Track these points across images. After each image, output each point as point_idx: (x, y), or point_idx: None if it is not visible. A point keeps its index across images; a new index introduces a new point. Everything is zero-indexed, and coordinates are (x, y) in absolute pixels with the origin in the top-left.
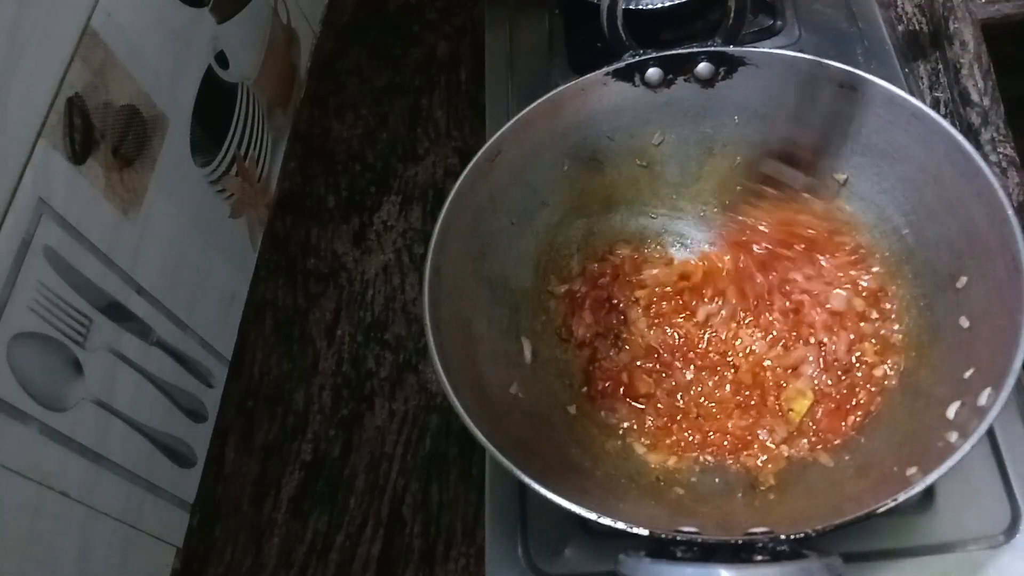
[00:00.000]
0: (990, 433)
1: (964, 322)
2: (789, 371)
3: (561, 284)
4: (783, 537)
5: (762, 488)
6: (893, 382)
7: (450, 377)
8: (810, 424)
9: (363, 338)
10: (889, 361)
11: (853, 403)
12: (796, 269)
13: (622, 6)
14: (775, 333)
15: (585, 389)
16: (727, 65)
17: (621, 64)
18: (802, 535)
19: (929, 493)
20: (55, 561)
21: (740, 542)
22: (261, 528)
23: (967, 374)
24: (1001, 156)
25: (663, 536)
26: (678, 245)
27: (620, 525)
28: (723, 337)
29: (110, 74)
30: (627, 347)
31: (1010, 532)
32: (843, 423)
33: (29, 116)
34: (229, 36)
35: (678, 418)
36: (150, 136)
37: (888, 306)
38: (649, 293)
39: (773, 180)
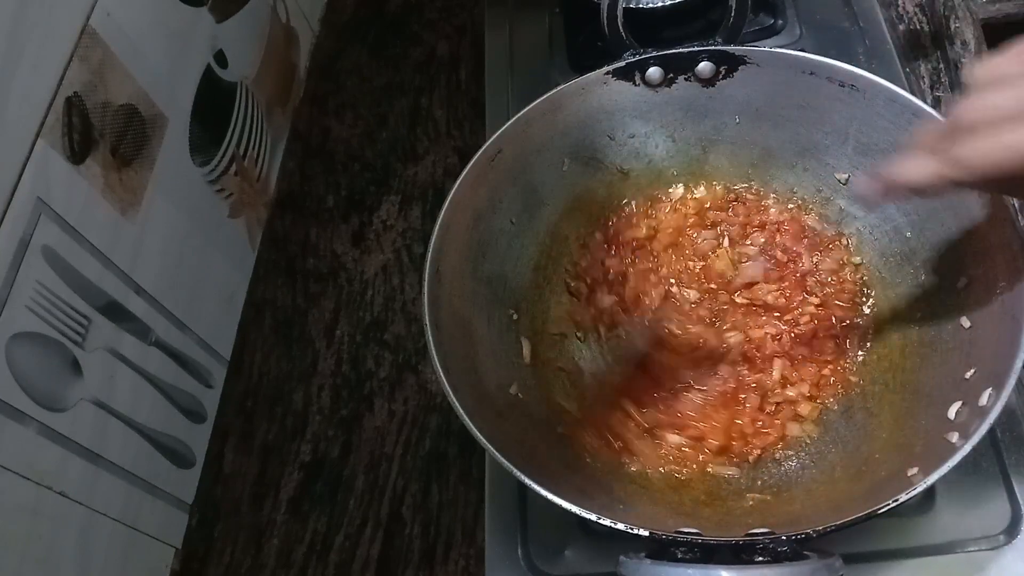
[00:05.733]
0: (991, 434)
1: (965, 322)
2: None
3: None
4: (784, 538)
5: (762, 488)
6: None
7: (450, 377)
8: (810, 423)
9: (362, 338)
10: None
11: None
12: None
13: (622, 5)
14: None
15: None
16: (728, 64)
17: (621, 63)
18: (803, 535)
19: (930, 494)
20: (54, 561)
21: (741, 543)
22: (261, 528)
23: (968, 374)
24: None
25: (663, 537)
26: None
27: (620, 526)
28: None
29: (109, 73)
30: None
31: (1011, 533)
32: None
33: (28, 115)
34: (228, 35)
35: (679, 417)
36: (149, 136)
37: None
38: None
39: None
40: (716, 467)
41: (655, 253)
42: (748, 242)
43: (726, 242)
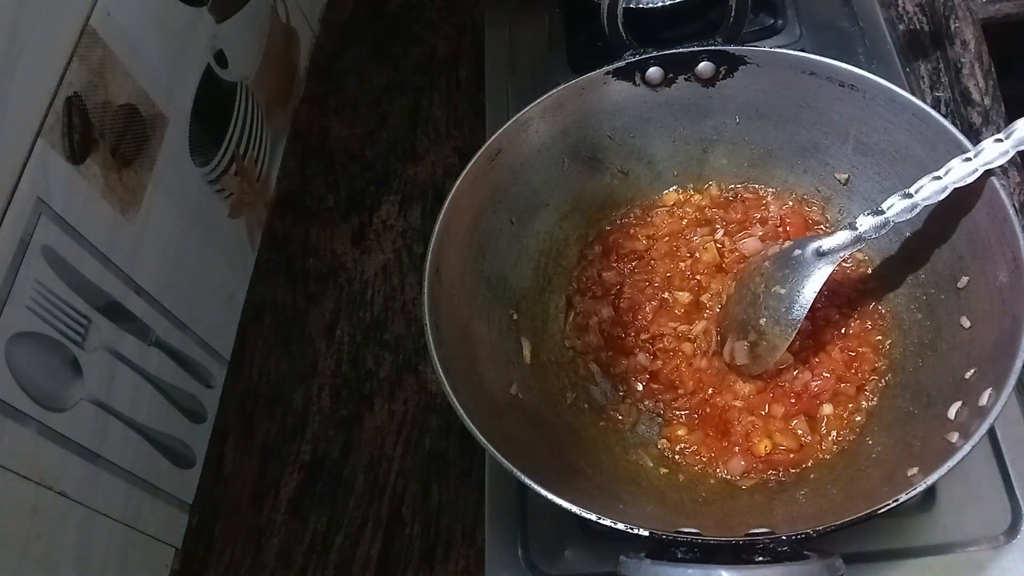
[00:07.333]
0: (991, 434)
1: (965, 322)
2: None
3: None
4: (784, 537)
5: (762, 488)
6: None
7: (450, 377)
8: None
9: (362, 338)
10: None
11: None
12: None
13: (622, 5)
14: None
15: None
16: (728, 64)
17: (621, 63)
18: (803, 535)
19: (930, 494)
20: (54, 561)
21: (741, 542)
22: (261, 529)
23: (968, 374)
24: None
25: (664, 537)
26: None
27: (620, 526)
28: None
29: (109, 73)
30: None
31: (1011, 533)
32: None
33: (28, 116)
34: (228, 35)
35: (680, 418)
36: (149, 135)
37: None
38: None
39: None
40: (716, 467)
41: (652, 262)
42: (747, 233)
43: (720, 234)
